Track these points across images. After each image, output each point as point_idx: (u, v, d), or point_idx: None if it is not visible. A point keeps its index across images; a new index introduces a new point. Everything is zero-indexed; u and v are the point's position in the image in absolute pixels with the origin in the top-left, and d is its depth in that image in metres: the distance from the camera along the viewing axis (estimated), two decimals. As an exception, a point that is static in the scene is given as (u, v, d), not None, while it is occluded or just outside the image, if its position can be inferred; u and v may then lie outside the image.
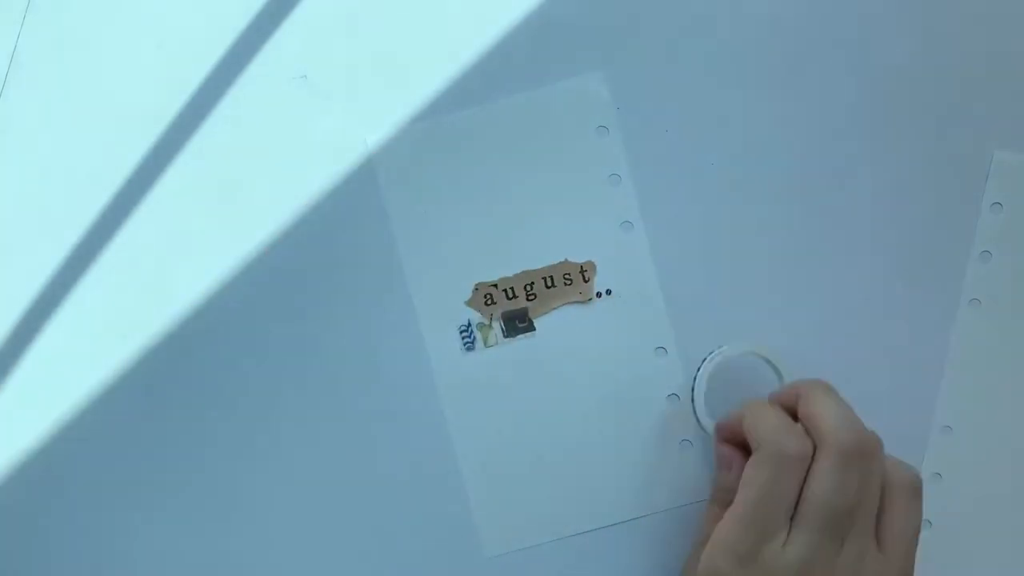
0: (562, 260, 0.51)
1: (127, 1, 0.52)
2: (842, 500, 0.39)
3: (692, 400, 0.49)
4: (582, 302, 0.51)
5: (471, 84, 0.52)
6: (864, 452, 0.40)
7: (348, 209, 0.51)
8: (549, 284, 0.51)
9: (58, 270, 0.51)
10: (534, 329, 0.51)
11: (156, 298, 0.51)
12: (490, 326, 0.51)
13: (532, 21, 0.52)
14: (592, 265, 0.51)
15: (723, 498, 0.43)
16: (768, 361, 0.48)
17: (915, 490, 0.41)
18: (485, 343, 0.51)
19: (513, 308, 0.51)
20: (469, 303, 0.51)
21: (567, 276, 0.51)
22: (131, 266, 0.51)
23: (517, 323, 0.51)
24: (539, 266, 0.51)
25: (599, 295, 0.51)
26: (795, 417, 0.42)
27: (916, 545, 0.41)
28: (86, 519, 0.50)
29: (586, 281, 0.51)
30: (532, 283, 0.51)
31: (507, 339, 0.51)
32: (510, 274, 0.51)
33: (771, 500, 0.39)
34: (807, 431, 0.41)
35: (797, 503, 0.39)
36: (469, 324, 0.51)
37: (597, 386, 0.51)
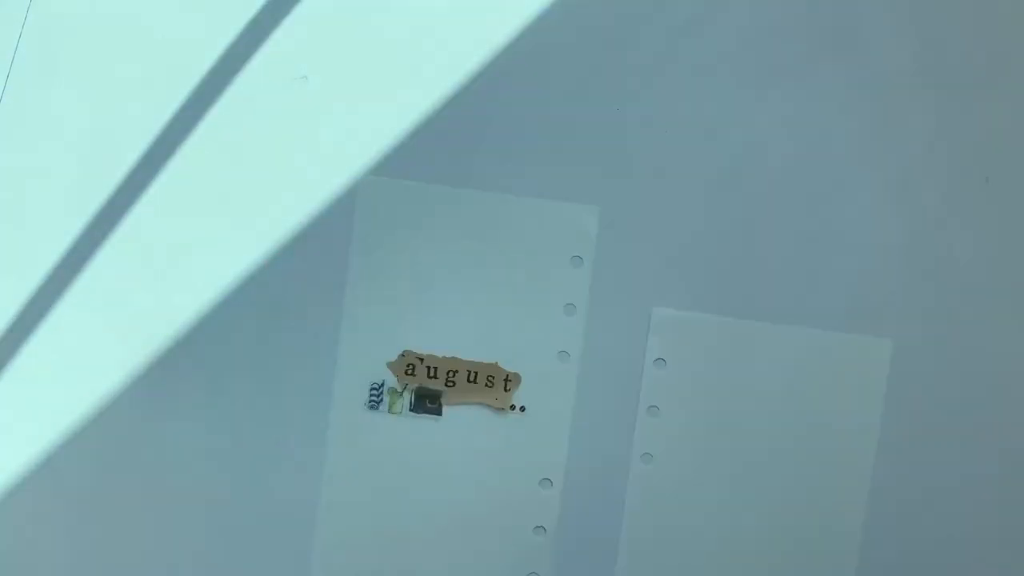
0: (493, 362, 0.52)
1: (128, 2, 0.53)
2: None
3: None
4: (495, 408, 0.52)
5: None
6: None
7: (320, 227, 0.52)
8: (471, 379, 0.52)
9: (52, 273, 0.51)
10: (440, 414, 0.51)
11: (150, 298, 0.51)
12: (401, 395, 0.51)
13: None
14: (518, 377, 0.52)
15: None
16: None
17: None
18: (390, 409, 0.51)
19: (429, 387, 0.52)
20: (391, 365, 0.51)
21: (491, 378, 0.52)
22: (121, 270, 0.51)
23: (427, 403, 0.52)
24: (470, 358, 0.52)
25: (513, 408, 0.52)
26: None
27: None
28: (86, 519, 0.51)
29: (507, 390, 0.52)
30: (456, 371, 0.52)
31: (412, 413, 0.51)
32: (440, 354, 0.52)
33: None
34: None
35: None
36: (382, 385, 0.51)
37: (475, 491, 0.51)
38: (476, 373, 0.52)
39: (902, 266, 0.54)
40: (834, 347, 0.54)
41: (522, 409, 0.52)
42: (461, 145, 0.53)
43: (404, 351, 0.52)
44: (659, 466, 0.52)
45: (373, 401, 0.51)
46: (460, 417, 0.52)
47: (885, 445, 0.53)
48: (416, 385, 0.51)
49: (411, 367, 0.51)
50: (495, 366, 0.52)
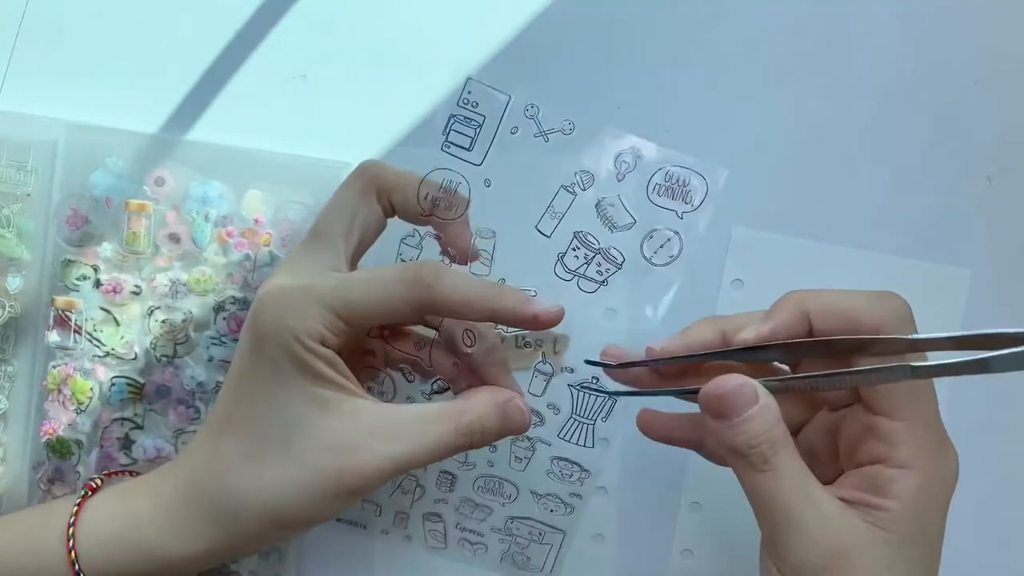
0: (541, 324, 0.51)
1: (126, 1, 0.52)
2: None
3: None
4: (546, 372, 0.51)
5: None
6: None
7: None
8: (520, 344, 0.51)
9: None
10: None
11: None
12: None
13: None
14: (566, 339, 0.51)
15: None
16: None
17: None
18: (441, 380, 0.52)
19: (479, 355, 0.51)
20: (439, 337, 0.51)
21: (539, 341, 0.51)
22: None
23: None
24: (517, 323, 0.51)
25: (563, 370, 0.51)
26: None
27: None
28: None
29: (556, 352, 0.51)
30: (504, 338, 0.51)
31: (464, 383, 0.51)
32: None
33: None
34: None
35: None
36: (432, 357, 0.51)
37: (532, 457, 0.51)
38: (525, 337, 0.51)
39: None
40: (912, 274, 0.51)
41: (572, 371, 0.51)
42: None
43: (450, 321, 0.51)
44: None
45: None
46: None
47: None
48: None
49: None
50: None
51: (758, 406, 0.38)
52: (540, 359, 0.51)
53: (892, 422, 0.38)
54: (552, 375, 0.51)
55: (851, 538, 0.36)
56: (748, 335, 0.41)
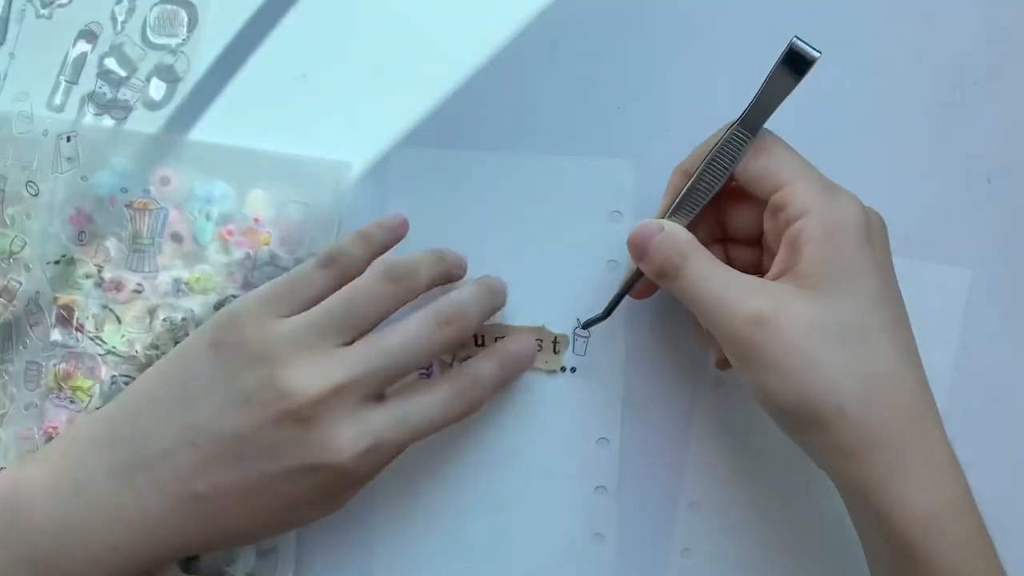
0: (540, 325, 0.51)
1: None
2: None
3: None
4: (545, 371, 0.51)
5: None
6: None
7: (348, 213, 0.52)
8: (520, 344, 0.51)
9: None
10: (491, 382, 0.51)
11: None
12: (451, 365, 0.52)
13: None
14: (566, 339, 0.51)
15: None
16: None
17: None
18: (441, 379, 0.52)
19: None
20: (439, 336, 0.52)
21: (539, 342, 0.51)
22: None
23: (477, 370, 0.51)
24: (517, 323, 0.51)
25: (563, 370, 0.51)
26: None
27: None
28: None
29: (556, 352, 0.51)
30: (503, 337, 0.51)
31: (463, 383, 0.51)
32: (485, 321, 0.51)
33: None
34: None
35: None
36: (432, 356, 0.52)
37: (533, 455, 0.51)
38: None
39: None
40: (912, 274, 0.51)
41: (572, 370, 0.51)
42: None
43: (450, 321, 0.51)
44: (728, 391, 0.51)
45: (424, 374, 0.51)
46: (512, 383, 0.51)
47: (960, 375, 0.50)
48: (465, 354, 0.51)
49: (458, 337, 0.51)
50: (542, 329, 0.51)
51: (664, 232, 0.43)
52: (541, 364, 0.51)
53: (782, 191, 0.42)
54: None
55: (771, 300, 0.40)
56: (658, 212, 0.47)
